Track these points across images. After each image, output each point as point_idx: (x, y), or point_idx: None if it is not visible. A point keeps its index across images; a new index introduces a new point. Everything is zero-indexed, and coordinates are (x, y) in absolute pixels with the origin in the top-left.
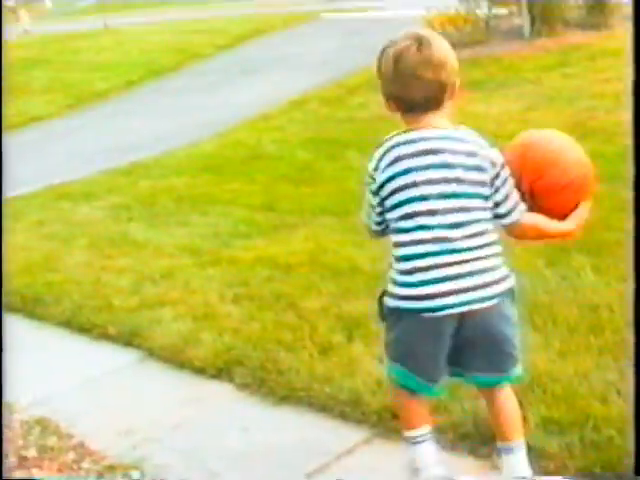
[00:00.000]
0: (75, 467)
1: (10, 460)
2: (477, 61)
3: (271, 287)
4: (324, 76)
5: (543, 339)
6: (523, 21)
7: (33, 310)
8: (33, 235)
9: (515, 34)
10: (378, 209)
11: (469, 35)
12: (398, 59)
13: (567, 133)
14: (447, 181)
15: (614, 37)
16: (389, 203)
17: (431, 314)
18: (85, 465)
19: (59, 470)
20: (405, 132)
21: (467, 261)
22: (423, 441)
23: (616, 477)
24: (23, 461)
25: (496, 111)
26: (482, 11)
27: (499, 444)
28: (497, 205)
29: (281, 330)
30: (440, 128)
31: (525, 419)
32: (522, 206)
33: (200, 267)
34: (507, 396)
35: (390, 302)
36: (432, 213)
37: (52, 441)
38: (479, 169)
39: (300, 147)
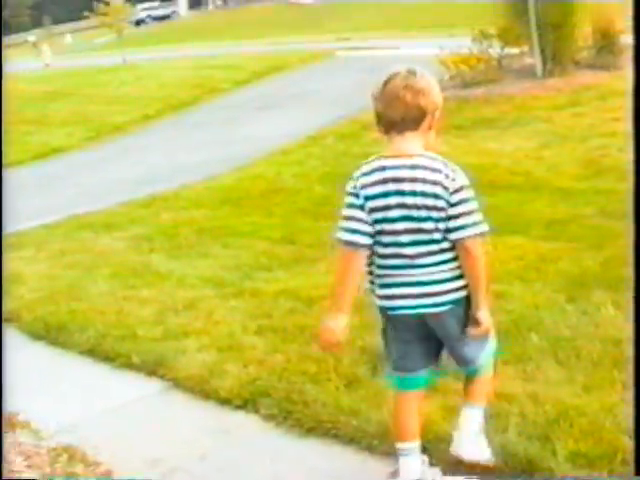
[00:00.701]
0: None
1: None
2: (490, 99)
3: (294, 319)
4: (340, 112)
5: (567, 373)
6: (535, 61)
7: (57, 338)
8: (56, 264)
9: (527, 73)
10: (367, 221)
11: (482, 74)
12: (387, 82)
13: (581, 170)
14: (405, 206)
15: (623, 77)
16: (370, 220)
17: (392, 312)
18: None
19: None
20: (378, 159)
21: (420, 274)
22: (409, 454)
23: (616, 477)
24: None
25: (510, 148)
26: (494, 50)
27: (464, 400)
28: (449, 219)
29: (306, 362)
30: (411, 156)
31: (553, 452)
32: (471, 231)
33: (223, 298)
34: (484, 385)
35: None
36: (393, 233)
37: (79, 469)
38: (435, 196)
39: (318, 181)
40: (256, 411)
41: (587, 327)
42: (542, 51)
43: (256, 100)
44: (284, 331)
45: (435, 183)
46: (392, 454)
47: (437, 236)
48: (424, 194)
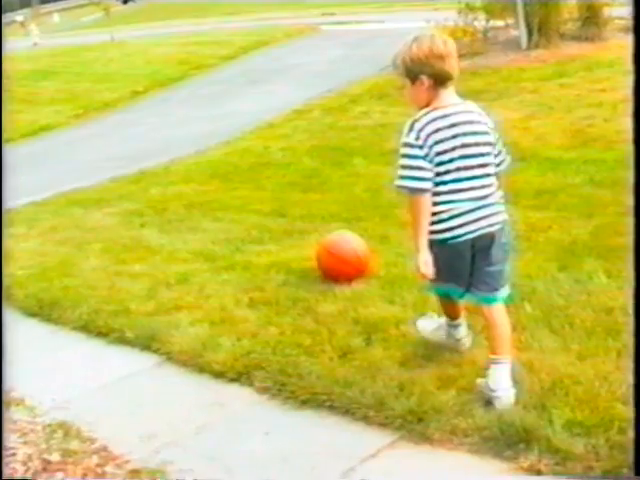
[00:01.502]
0: (99, 471)
1: (34, 464)
2: (476, 72)
3: (287, 292)
4: (326, 86)
5: (561, 342)
6: (520, 33)
7: (50, 314)
8: (47, 241)
9: (512, 45)
10: (430, 168)
11: (468, 46)
12: (444, 43)
13: (568, 140)
14: (467, 146)
15: (608, 49)
16: (433, 165)
17: (453, 241)
18: (109, 469)
19: (83, 474)
20: (432, 110)
21: (480, 202)
22: (460, 325)
23: (616, 477)
24: (47, 465)
25: (497, 119)
26: (480, 23)
27: (490, 356)
28: (497, 154)
29: (299, 334)
30: (460, 104)
31: (550, 421)
32: (507, 163)
33: (214, 272)
34: (501, 314)
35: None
36: (457, 170)
37: (75, 445)
38: (489, 134)
39: (306, 155)
40: (250, 384)
41: (580, 295)
42: (527, 23)
43: (243, 75)
44: (277, 304)
45: (486, 124)
46: (388, 425)
47: (492, 169)
48: (483, 133)
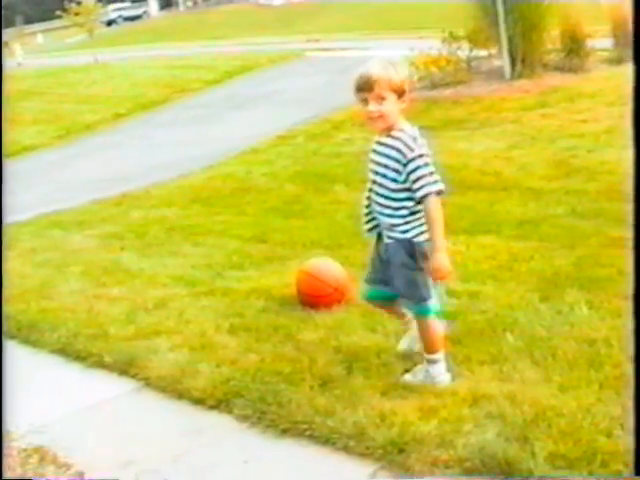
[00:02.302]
0: None
1: None
2: (459, 101)
3: (267, 318)
4: (310, 112)
5: (544, 373)
6: (503, 63)
7: (28, 336)
8: (26, 262)
9: (495, 75)
10: None
11: (451, 75)
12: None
13: (551, 171)
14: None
15: (591, 80)
16: None
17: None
18: None
19: None
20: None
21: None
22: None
23: (616, 477)
24: None
25: (480, 149)
26: (463, 53)
27: (425, 355)
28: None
29: (280, 362)
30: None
31: (532, 453)
32: (431, 188)
33: (194, 297)
34: (432, 322)
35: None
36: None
37: (50, 470)
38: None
39: (289, 180)
40: (230, 411)
41: (562, 327)
42: (510, 53)
43: (227, 100)
44: (257, 330)
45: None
46: (368, 455)
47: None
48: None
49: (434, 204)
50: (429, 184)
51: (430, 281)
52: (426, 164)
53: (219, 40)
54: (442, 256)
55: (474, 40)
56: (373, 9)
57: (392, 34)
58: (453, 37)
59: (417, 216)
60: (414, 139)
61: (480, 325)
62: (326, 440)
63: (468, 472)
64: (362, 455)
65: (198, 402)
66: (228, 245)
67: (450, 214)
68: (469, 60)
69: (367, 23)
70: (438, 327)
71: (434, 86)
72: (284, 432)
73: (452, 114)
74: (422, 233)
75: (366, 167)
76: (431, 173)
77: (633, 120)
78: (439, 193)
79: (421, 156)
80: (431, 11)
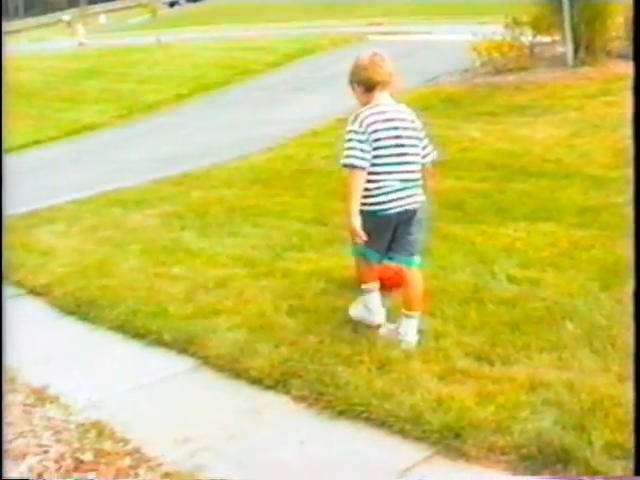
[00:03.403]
0: (132, 473)
1: (66, 462)
2: (521, 87)
3: (326, 300)
4: None
5: (602, 362)
6: (567, 50)
7: (87, 313)
8: (87, 239)
9: (558, 62)
10: (369, 151)
11: (514, 61)
12: (371, 58)
13: (612, 159)
14: (399, 137)
15: None
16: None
17: (382, 214)
18: (141, 472)
19: (116, 475)
20: (372, 107)
21: (409, 186)
22: (373, 290)
23: (616, 477)
24: (79, 464)
25: (542, 136)
26: (527, 38)
27: (403, 311)
28: (424, 148)
29: (338, 344)
30: (394, 105)
31: (589, 442)
32: (431, 157)
33: (254, 278)
34: (417, 276)
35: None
36: (388, 156)
37: (108, 445)
38: (417, 130)
39: None
40: (287, 392)
41: (622, 316)
42: (574, 40)
43: (287, 82)
44: (316, 312)
45: (414, 122)
46: (424, 439)
47: (418, 159)
48: (413, 129)
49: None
50: (343, 158)
51: None
52: (347, 140)
53: (280, 22)
54: (351, 222)
55: (537, 26)
56: None
57: (454, 19)
58: (516, 22)
59: None
60: (355, 116)
61: (540, 312)
62: (382, 423)
63: (524, 459)
64: (418, 439)
65: (256, 382)
66: (288, 227)
67: (511, 200)
68: (532, 46)
69: (429, 8)
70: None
71: (497, 72)
72: (341, 414)
73: (515, 100)
74: None
75: None
76: (347, 148)
77: (633, 121)
78: (352, 167)
79: (348, 132)
80: None
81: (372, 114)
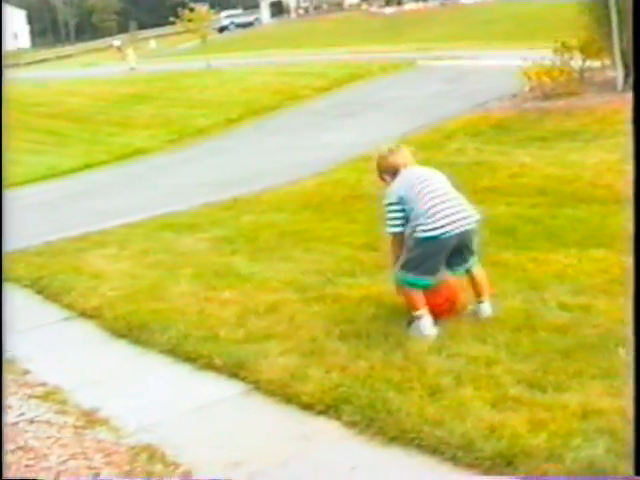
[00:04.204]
0: None
1: None
2: (571, 112)
3: (378, 326)
4: (421, 121)
5: None
6: (616, 74)
7: (138, 336)
8: (138, 263)
9: (608, 87)
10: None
11: (563, 86)
12: (389, 149)
13: None
14: (433, 177)
15: None
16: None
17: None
18: None
19: None
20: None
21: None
22: (425, 315)
23: (616, 477)
24: None
25: (592, 161)
26: (576, 63)
27: (477, 299)
28: None
29: (389, 370)
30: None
31: None
32: None
33: (305, 303)
34: (478, 270)
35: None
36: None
37: (158, 469)
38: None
39: None
40: (338, 417)
41: None
42: (624, 64)
43: (337, 107)
44: (367, 337)
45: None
46: (476, 466)
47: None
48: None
49: None
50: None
51: None
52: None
53: (330, 48)
54: None
55: (587, 51)
56: (483, 19)
57: (502, 44)
58: (565, 47)
59: None
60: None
61: (591, 339)
62: (434, 450)
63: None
64: (470, 466)
65: (307, 407)
66: (339, 252)
67: (562, 226)
68: (582, 71)
69: (477, 33)
70: None
71: (546, 97)
72: (392, 440)
73: (565, 125)
74: None
75: (477, 176)
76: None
77: (633, 123)
78: None
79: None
80: (542, 22)
81: (398, 179)
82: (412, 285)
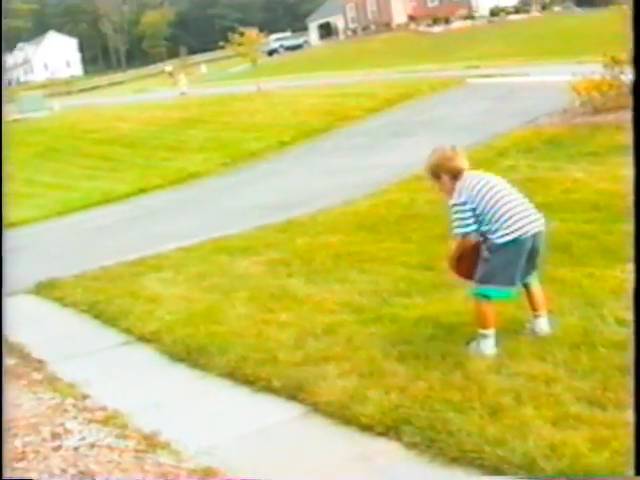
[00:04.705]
0: None
1: None
2: (622, 126)
3: (436, 346)
4: (472, 138)
5: None
6: None
7: (197, 360)
8: (194, 286)
9: None
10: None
11: (613, 100)
12: (452, 150)
13: None
14: (500, 183)
15: None
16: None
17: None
18: None
19: None
20: (464, 181)
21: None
22: (490, 337)
23: (616, 477)
24: None
25: None
26: (626, 77)
27: (534, 314)
28: None
29: (449, 390)
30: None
31: None
32: None
33: (362, 324)
34: (536, 286)
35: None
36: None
37: None
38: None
39: None
40: (398, 439)
41: None
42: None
43: (388, 127)
44: (426, 358)
45: None
46: None
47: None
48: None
49: None
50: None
51: None
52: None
53: (379, 68)
54: None
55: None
56: (531, 35)
57: (551, 59)
58: (615, 61)
59: None
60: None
61: None
62: (495, 469)
63: None
64: None
65: (366, 428)
66: (394, 272)
67: (617, 242)
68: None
69: (525, 49)
70: None
71: (596, 111)
72: (453, 461)
73: (616, 140)
74: None
75: (531, 193)
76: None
77: (633, 126)
78: None
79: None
80: (590, 36)
81: (467, 181)
82: (493, 297)
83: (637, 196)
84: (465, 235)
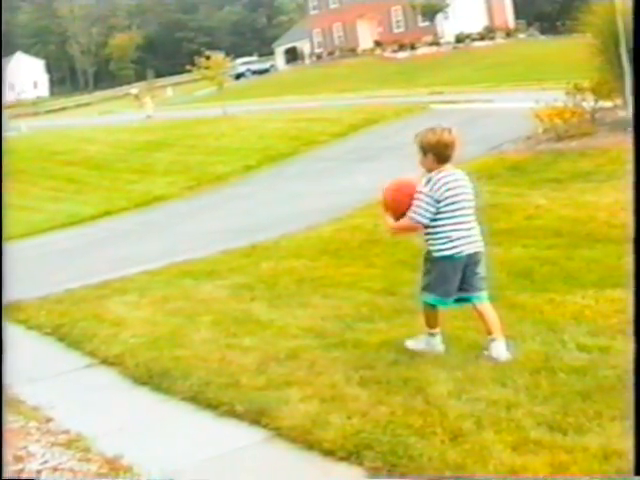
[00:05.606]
0: None
1: None
2: (585, 153)
3: (398, 371)
4: None
5: None
6: (628, 114)
7: (160, 384)
8: (158, 310)
9: (620, 127)
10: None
11: (576, 127)
12: (450, 133)
13: None
14: (465, 194)
15: None
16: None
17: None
18: None
19: None
20: (441, 171)
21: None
22: (437, 334)
23: (616, 478)
24: None
25: (607, 201)
26: (588, 104)
27: (489, 338)
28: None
29: (410, 415)
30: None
31: None
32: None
33: (325, 349)
34: (488, 307)
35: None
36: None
37: None
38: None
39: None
40: (360, 463)
41: None
42: (635, 104)
43: (353, 152)
44: (388, 383)
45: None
46: None
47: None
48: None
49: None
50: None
51: None
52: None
53: (344, 93)
54: None
55: (599, 92)
56: (495, 62)
57: (514, 86)
58: (577, 88)
59: None
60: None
61: (611, 380)
62: None
63: None
64: None
65: (328, 453)
66: (357, 297)
67: (578, 268)
68: (594, 112)
69: (489, 75)
70: None
71: (559, 138)
72: None
73: (579, 166)
74: None
75: (492, 219)
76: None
77: (634, 127)
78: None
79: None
80: (553, 64)
81: (444, 177)
82: (437, 305)
83: (637, 223)
84: (417, 223)
